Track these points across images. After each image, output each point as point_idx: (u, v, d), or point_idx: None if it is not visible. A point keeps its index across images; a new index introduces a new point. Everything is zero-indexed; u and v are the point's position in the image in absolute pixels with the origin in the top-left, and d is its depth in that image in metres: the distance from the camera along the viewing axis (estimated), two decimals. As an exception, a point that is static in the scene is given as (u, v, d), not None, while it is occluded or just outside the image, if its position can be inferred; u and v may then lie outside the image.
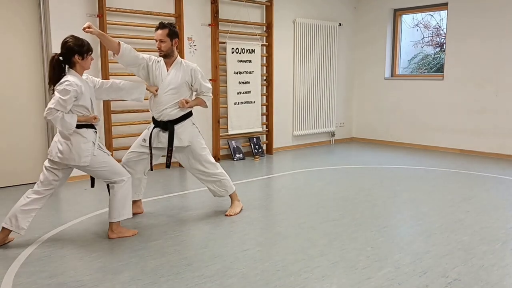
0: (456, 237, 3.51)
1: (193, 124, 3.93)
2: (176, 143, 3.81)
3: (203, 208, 4.28)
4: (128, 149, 5.58)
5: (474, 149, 7.07)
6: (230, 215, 4.04)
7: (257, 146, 6.85)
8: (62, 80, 3.20)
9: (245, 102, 6.65)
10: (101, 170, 3.38)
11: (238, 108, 6.58)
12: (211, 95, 3.98)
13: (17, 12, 4.94)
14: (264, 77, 6.96)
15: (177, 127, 3.81)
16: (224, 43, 6.31)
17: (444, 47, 7.59)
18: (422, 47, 8.54)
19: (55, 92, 3.17)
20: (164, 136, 3.81)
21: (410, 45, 8.44)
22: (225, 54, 6.34)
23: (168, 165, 3.87)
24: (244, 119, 6.64)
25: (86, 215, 4.01)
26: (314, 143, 7.96)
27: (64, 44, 3.28)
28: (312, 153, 7.24)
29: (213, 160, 4.01)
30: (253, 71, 6.64)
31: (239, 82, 6.52)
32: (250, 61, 6.57)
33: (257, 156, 6.74)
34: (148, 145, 3.85)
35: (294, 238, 3.50)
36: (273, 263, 3.01)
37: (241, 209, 4.15)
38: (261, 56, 6.79)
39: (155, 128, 3.85)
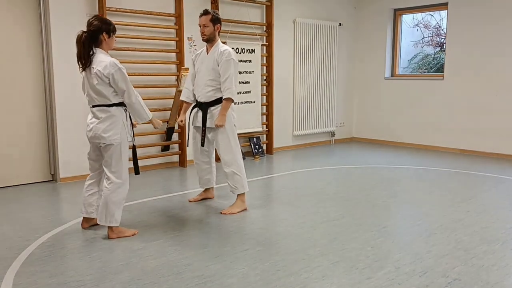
0: (456, 237, 3.51)
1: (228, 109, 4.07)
2: (208, 123, 4.05)
3: (203, 208, 4.28)
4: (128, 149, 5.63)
5: (474, 149, 7.07)
6: (225, 214, 4.06)
7: (257, 146, 6.85)
8: (107, 61, 3.28)
9: (245, 102, 6.64)
10: (115, 158, 3.38)
11: (238, 108, 6.55)
12: (230, 95, 3.95)
13: (17, 12, 4.93)
14: (264, 77, 6.96)
15: (212, 109, 4.05)
16: (224, 43, 6.27)
17: (444, 47, 7.59)
18: (422, 47, 8.55)
19: (116, 76, 3.27)
20: (200, 116, 4.09)
21: (410, 45, 8.44)
22: (225, 54, 6.33)
23: (202, 143, 4.13)
24: (244, 119, 6.63)
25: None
26: (314, 143, 7.96)
27: (91, 23, 3.35)
28: (312, 153, 7.24)
29: (236, 152, 4.09)
30: (253, 71, 6.64)
31: (239, 82, 6.51)
32: (250, 61, 6.57)
33: (257, 156, 6.74)
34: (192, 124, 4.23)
35: (294, 238, 3.50)
36: (273, 263, 3.01)
37: (243, 210, 4.15)
38: (261, 56, 6.79)
39: (195, 108, 4.17)
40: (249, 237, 3.53)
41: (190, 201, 4.46)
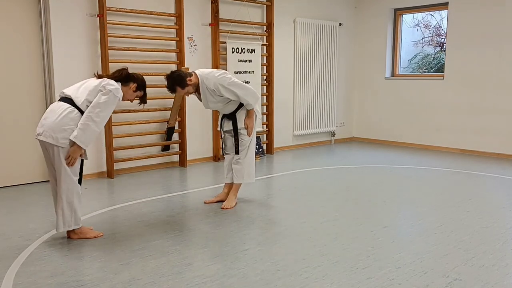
0: (456, 237, 3.51)
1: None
2: (238, 125, 4.22)
3: (203, 208, 4.28)
4: (128, 149, 5.64)
5: (475, 149, 7.06)
6: (226, 208, 4.20)
7: (257, 146, 6.84)
8: (116, 85, 3.34)
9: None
10: (59, 162, 3.23)
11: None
12: (251, 107, 4.16)
13: (17, 12, 4.93)
14: (265, 77, 6.96)
15: (237, 113, 4.21)
16: (225, 42, 6.31)
17: (444, 46, 7.59)
18: (422, 47, 8.55)
19: (105, 96, 3.25)
20: (228, 121, 4.26)
21: (411, 44, 8.44)
22: (226, 54, 6.33)
23: (237, 151, 4.26)
24: (244, 119, 6.63)
25: (85, 214, 4.00)
26: (314, 143, 7.95)
27: (139, 75, 3.56)
28: (312, 153, 7.24)
29: (251, 146, 4.27)
30: (253, 71, 6.64)
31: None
32: (250, 60, 6.57)
33: (258, 156, 6.74)
34: (220, 129, 4.40)
35: (295, 237, 3.50)
36: (274, 263, 3.01)
37: (236, 204, 4.32)
38: (262, 55, 6.78)
39: (223, 116, 4.32)
40: (249, 237, 3.53)
41: (205, 203, 4.41)
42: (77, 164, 3.33)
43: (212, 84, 3.98)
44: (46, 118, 3.25)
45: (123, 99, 3.46)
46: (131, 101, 3.59)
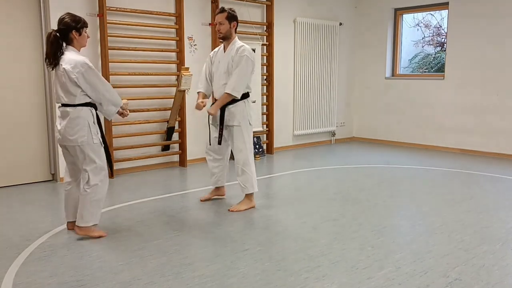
0: (456, 237, 3.50)
1: (246, 107, 4.08)
2: (226, 121, 4.06)
3: (203, 208, 4.28)
4: (128, 148, 5.64)
5: (475, 149, 7.06)
6: (232, 211, 4.11)
7: (257, 146, 6.84)
8: (77, 59, 3.23)
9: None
10: (87, 159, 3.33)
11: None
12: (229, 91, 3.93)
13: (17, 12, 4.93)
14: (265, 77, 6.96)
15: (230, 107, 4.03)
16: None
17: (444, 46, 7.59)
18: (422, 47, 8.54)
19: (87, 75, 3.22)
20: (219, 114, 4.07)
21: (411, 44, 8.44)
22: (226, 54, 6.32)
23: (219, 142, 4.11)
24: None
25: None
26: (314, 143, 7.95)
27: (61, 20, 3.31)
28: (312, 153, 7.23)
29: (248, 151, 4.08)
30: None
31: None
32: (250, 60, 6.55)
33: (258, 156, 6.73)
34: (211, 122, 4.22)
35: (295, 238, 3.50)
36: (274, 263, 3.01)
37: (251, 208, 4.19)
38: (262, 55, 6.78)
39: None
40: (249, 237, 3.53)
41: (201, 201, 4.42)
42: (103, 155, 3.41)
43: (240, 46, 4.00)
44: (62, 127, 3.32)
45: (83, 47, 3.41)
46: (86, 43, 3.47)
